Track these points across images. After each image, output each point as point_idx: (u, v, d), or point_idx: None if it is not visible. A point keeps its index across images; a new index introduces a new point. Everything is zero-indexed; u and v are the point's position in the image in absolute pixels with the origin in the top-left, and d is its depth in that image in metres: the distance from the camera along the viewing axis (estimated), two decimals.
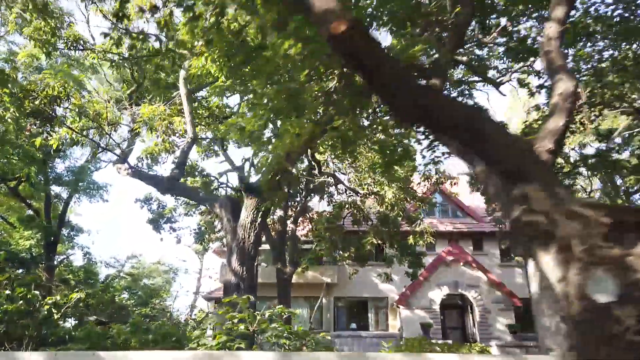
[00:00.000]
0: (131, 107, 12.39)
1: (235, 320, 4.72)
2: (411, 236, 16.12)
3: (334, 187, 16.34)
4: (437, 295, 23.36)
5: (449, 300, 23.80)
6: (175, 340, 8.40)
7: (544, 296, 2.96)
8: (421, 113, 3.08)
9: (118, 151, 13.30)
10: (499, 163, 3.17)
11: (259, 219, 7.95)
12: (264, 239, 22.52)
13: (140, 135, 13.63)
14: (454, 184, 16.84)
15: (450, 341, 21.45)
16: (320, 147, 9.89)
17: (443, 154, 9.20)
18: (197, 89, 13.04)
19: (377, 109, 8.59)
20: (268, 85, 6.00)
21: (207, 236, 23.11)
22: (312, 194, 19.85)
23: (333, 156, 12.02)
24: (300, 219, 22.10)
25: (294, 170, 16.04)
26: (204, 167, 26.37)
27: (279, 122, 6.64)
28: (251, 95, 6.70)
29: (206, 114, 16.93)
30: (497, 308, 22.90)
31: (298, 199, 19.46)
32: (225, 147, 19.28)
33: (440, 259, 23.86)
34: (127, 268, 34.95)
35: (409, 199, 14.01)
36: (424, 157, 14.80)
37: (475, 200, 28.46)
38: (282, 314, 5.23)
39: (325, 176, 14.86)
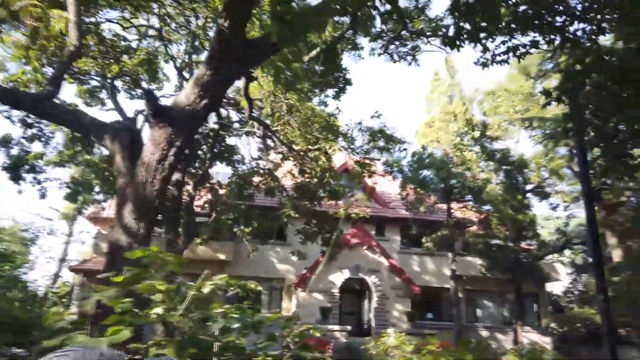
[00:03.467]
0: None
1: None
2: (341, 210, 14.53)
3: (260, 139, 14.00)
4: (338, 278, 22.30)
5: (348, 284, 22.91)
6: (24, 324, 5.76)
7: None
8: None
9: None
10: None
11: (172, 158, 5.58)
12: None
13: None
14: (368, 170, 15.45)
15: (349, 327, 20.58)
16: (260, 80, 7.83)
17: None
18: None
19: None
20: None
21: (81, 196, 19.34)
22: (217, 159, 17.33)
23: (271, 95, 9.85)
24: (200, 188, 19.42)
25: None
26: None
27: None
28: None
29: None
30: (395, 294, 22.52)
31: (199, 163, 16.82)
32: (114, 93, 16.09)
33: (344, 242, 22.78)
34: None
35: (335, 171, 12.37)
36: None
37: (379, 186, 28.00)
38: (230, 289, 3.07)
39: (255, 124, 12.54)
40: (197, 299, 2.74)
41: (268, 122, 11.48)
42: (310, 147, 10.44)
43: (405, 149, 12.43)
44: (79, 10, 7.17)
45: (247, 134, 13.19)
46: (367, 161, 13.50)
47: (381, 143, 11.55)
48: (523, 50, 7.18)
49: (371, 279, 22.56)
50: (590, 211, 6.76)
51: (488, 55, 7.08)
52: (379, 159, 23.69)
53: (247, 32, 5.74)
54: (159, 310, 2.56)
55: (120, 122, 7.45)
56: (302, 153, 11.46)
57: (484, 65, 7.76)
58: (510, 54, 6.95)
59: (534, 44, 7.01)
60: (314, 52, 8.69)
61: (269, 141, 13.07)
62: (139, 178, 5.64)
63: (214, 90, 5.74)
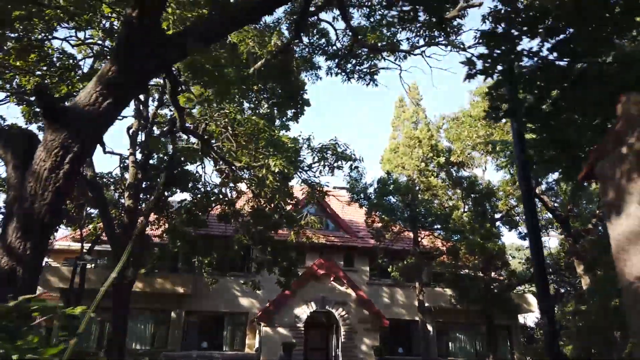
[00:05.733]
0: None
1: None
2: (292, 233, 13.68)
3: (199, 161, 13.15)
4: (303, 312, 21.20)
5: (314, 318, 21.81)
6: None
7: None
8: None
9: None
10: None
11: (67, 167, 4.78)
12: (103, 235, 18.29)
13: None
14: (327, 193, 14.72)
15: None
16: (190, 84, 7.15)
17: None
18: None
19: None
20: None
21: None
22: (173, 185, 16.43)
23: (201, 105, 9.09)
24: (157, 216, 18.38)
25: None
26: None
27: None
28: None
29: None
30: (363, 328, 21.52)
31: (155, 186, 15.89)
32: None
33: (310, 272, 21.82)
34: None
35: (290, 191, 11.61)
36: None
37: (348, 214, 27.36)
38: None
39: (184, 137, 11.73)
40: None
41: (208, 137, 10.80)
42: (253, 164, 9.74)
43: (356, 167, 11.88)
44: None
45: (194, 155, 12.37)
46: (317, 181, 12.97)
47: (332, 161, 11.00)
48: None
49: (338, 312, 21.55)
50: (530, 207, 6.15)
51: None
52: (345, 188, 23.15)
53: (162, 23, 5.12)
54: None
55: (18, 128, 6.61)
56: (244, 170, 10.74)
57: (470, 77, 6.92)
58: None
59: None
60: (258, 64, 8.11)
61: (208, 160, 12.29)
62: (28, 189, 4.80)
63: (120, 90, 5.02)
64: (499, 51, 5.11)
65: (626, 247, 3.59)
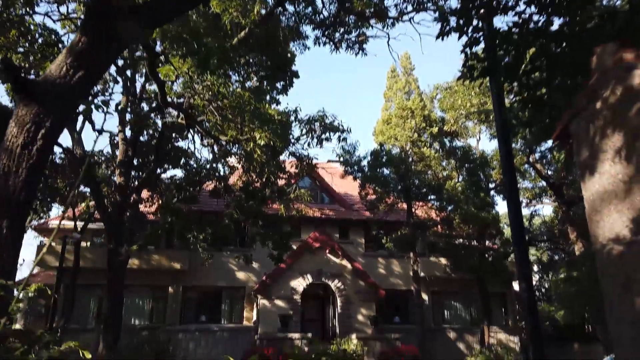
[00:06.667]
0: None
1: None
2: (282, 206, 13.66)
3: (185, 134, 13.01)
4: (299, 284, 21.42)
5: (311, 290, 22.05)
6: None
7: None
8: None
9: None
10: None
11: (40, 142, 4.68)
12: (96, 213, 18.24)
13: None
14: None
15: (310, 334, 19.73)
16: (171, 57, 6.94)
17: None
18: None
19: None
20: None
21: None
22: (166, 160, 16.31)
23: (187, 77, 8.90)
24: (150, 193, 18.31)
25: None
26: None
27: None
28: None
29: None
30: (359, 299, 21.79)
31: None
32: None
33: (306, 246, 21.96)
34: None
35: (282, 165, 11.50)
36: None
37: (343, 187, 27.36)
38: None
39: (174, 113, 11.52)
40: None
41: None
42: (239, 137, 9.59)
43: (344, 139, 11.74)
44: None
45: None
46: (306, 154, 12.86)
47: (320, 132, 10.84)
48: None
49: (334, 284, 21.77)
50: (508, 169, 6.05)
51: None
52: (339, 161, 23.06)
53: None
54: None
55: None
56: (231, 145, 10.62)
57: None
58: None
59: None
60: (242, 33, 7.90)
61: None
62: (0, 167, 4.70)
63: (92, 61, 4.87)
64: (473, 6, 4.92)
65: (599, 208, 3.51)
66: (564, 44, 4.84)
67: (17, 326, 18.93)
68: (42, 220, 22.95)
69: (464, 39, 5.36)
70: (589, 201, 3.67)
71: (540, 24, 5.07)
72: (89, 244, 22.81)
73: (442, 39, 5.52)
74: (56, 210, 20.38)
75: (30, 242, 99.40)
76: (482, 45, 5.37)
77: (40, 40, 14.40)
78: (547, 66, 4.97)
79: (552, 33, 4.98)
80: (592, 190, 3.59)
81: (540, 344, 5.32)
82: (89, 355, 2.10)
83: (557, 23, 5.09)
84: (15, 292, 2.72)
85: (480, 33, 5.18)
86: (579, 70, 4.55)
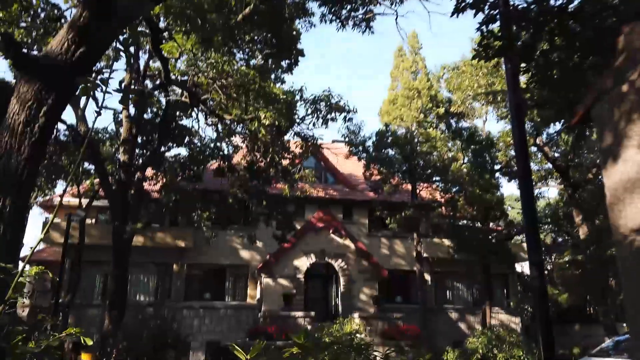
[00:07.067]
0: None
1: None
2: (286, 186, 13.58)
3: (190, 113, 12.85)
4: (303, 263, 21.52)
5: (314, 269, 22.17)
6: None
7: None
8: None
9: None
10: None
11: (42, 120, 4.57)
12: (100, 191, 18.24)
13: None
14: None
15: (313, 312, 19.91)
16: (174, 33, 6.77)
17: None
18: None
19: None
20: None
21: None
22: (170, 138, 16.19)
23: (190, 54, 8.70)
24: (155, 172, 18.25)
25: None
26: None
27: None
28: None
29: None
30: (362, 278, 21.91)
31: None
32: None
33: (309, 225, 21.98)
34: None
35: (287, 145, 11.37)
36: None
37: (347, 168, 27.24)
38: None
39: (178, 91, 11.36)
40: None
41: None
42: (244, 116, 9.45)
43: (350, 119, 11.58)
44: None
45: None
46: (311, 134, 12.69)
47: (325, 112, 10.66)
48: None
49: (337, 263, 21.87)
50: (522, 151, 5.94)
51: None
52: (344, 141, 22.88)
53: None
54: None
55: None
56: (236, 124, 10.47)
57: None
58: None
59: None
60: (247, 9, 7.68)
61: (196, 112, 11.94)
62: (3, 145, 4.61)
63: (94, 36, 4.73)
64: None
65: (622, 197, 3.36)
66: (584, 23, 4.65)
67: (25, 301, 19.18)
68: (47, 197, 23.06)
69: (479, 17, 5.18)
70: (611, 189, 3.52)
71: (559, 1, 4.88)
72: (94, 220, 22.91)
73: (457, 16, 5.32)
74: (61, 187, 20.39)
75: (36, 219, 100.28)
76: (497, 23, 5.19)
77: (42, 15, 14.17)
78: (566, 46, 4.78)
79: (572, 11, 4.78)
80: (615, 178, 3.45)
81: (549, 328, 5.28)
82: (90, 342, 2.03)
83: (577, 0, 4.91)
84: (20, 265, 2.66)
85: (497, 10, 4.98)
86: (600, 51, 4.36)
